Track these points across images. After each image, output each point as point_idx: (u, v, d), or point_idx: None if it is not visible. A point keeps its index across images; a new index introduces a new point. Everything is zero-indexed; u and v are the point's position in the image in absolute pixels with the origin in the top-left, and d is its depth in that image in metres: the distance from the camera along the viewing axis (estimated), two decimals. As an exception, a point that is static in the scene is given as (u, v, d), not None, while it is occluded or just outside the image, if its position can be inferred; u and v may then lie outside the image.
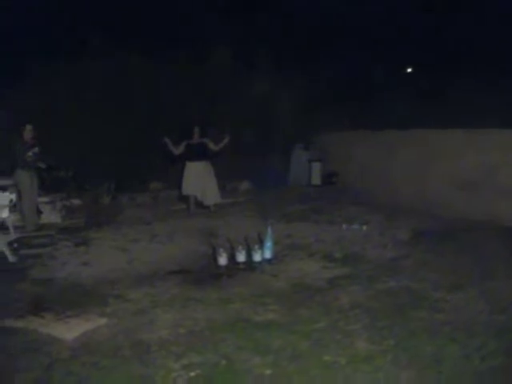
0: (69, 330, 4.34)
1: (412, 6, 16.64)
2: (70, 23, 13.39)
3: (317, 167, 12.58)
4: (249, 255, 6.00)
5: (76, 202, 10.87)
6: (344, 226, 8.13)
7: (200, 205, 9.98)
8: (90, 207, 10.67)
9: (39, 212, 9.35)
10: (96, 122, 10.94)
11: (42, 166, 8.97)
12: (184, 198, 10.19)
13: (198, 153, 9.68)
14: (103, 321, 4.55)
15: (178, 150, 9.77)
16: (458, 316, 4.35)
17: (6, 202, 7.38)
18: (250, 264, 5.96)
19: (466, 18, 15.55)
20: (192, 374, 3.55)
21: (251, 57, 12.37)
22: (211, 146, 9.77)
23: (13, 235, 7.43)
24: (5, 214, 7.31)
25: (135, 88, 11.36)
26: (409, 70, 19.79)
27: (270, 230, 6.11)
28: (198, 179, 9.66)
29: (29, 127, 8.76)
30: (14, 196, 7.75)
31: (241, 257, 5.94)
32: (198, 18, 14.66)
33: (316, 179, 12.58)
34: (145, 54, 11.57)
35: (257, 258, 5.97)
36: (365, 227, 7.99)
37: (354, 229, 7.98)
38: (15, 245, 7.44)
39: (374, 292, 5.05)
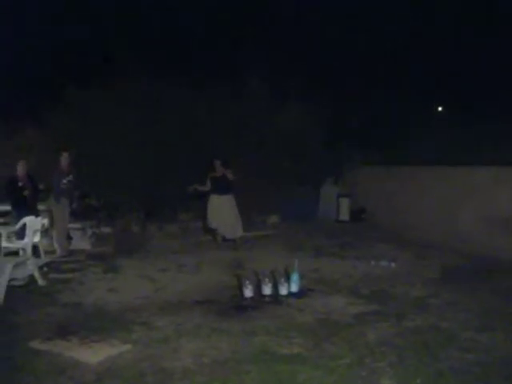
0: (93, 354, 4.37)
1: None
2: (108, 50, 13.84)
3: (345, 203, 12.56)
4: (275, 288, 5.97)
5: (106, 229, 11.03)
6: (372, 263, 8.04)
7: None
8: (120, 235, 10.81)
9: (69, 238, 9.52)
10: (128, 151, 11.13)
11: (76, 194, 9.17)
12: (210, 230, 10.21)
13: (222, 186, 9.69)
14: (128, 347, 4.57)
15: (206, 187, 9.84)
16: (488, 357, 4.22)
17: (39, 227, 7.55)
18: (275, 297, 5.93)
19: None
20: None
21: (283, 88, 12.47)
22: (229, 176, 9.75)
23: (44, 259, 7.58)
24: (37, 238, 7.48)
25: (168, 118, 11.54)
26: (439, 108, 19.82)
27: (296, 263, 6.09)
28: (221, 213, 9.68)
29: (65, 155, 9.01)
30: (46, 221, 7.91)
31: (267, 289, 5.91)
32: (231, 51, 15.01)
33: (344, 215, 12.54)
34: (180, 84, 11.78)
35: (283, 291, 5.95)
36: (393, 264, 7.88)
37: (382, 266, 7.88)
38: (45, 269, 7.58)
39: (401, 329, 4.96)
